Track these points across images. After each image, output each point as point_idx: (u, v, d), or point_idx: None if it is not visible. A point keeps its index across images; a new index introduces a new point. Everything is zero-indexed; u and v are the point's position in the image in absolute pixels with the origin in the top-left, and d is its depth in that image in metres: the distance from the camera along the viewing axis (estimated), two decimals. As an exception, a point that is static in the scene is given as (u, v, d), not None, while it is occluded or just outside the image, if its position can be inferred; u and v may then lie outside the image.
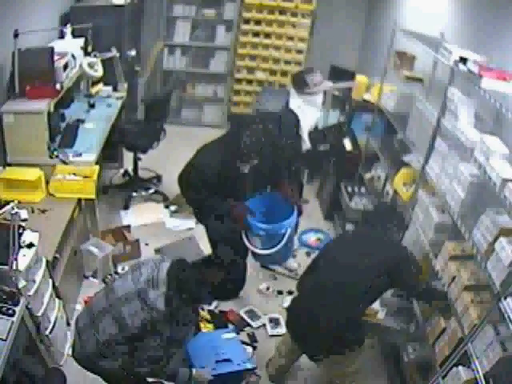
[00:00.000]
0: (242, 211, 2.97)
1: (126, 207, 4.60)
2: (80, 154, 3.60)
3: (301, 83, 3.47)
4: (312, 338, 2.54)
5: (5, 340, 2.05)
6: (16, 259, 2.24)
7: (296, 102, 3.53)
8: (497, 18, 3.02)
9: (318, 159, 3.87)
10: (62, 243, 3.03)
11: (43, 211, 3.16)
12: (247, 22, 6.07)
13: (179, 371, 2.31)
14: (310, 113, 3.54)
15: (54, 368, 2.72)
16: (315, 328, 2.49)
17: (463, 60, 2.62)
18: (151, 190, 4.89)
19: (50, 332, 2.63)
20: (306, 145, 3.61)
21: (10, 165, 3.36)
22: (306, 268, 2.84)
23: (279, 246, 2.90)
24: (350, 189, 4.44)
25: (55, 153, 3.50)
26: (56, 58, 3.53)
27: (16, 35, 3.17)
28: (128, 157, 5.02)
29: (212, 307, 3.53)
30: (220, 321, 3.44)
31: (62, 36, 4.11)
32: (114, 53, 4.43)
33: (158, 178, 5.09)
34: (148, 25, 5.65)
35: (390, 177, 3.74)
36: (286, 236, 2.90)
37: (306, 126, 3.55)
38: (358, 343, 2.58)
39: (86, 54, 4.17)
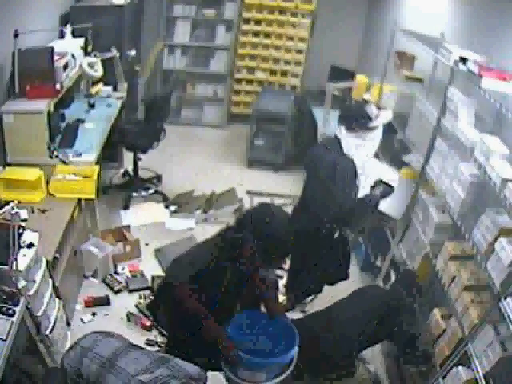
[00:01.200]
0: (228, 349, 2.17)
1: (126, 207, 4.60)
2: (80, 154, 3.59)
3: (362, 119, 2.84)
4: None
5: (5, 340, 2.05)
6: (16, 259, 2.23)
7: (353, 143, 2.85)
8: (497, 18, 3.02)
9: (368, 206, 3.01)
10: (61, 243, 3.02)
11: (43, 211, 3.15)
12: (247, 21, 6.08)
13: None
14: (366, 151, 2.90)
15: (53, 368, 2.71)
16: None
17: (463, 60, 2.62)
18: (151, 190, 4.89)
19: (50, 332, 2.63)
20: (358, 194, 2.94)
21: (10, 165, 3.35)
22: None
23: (288, 372, 2.24)
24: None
25: (55, 153, 3.50)
26: (56, 57, 3.52)
27: (16, 35, 3.16)
28: (128, 157, 5.02)
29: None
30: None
31: (62, 36, 4.10)
32: (114, 53, 4.42)
33: (158, 177, 5.09)
34: (148, 25, 5.64)
35: (390, 177, 3.73)
36: (295, 359, 2.26)
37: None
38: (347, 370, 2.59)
39: (86, 54, 4.16)
